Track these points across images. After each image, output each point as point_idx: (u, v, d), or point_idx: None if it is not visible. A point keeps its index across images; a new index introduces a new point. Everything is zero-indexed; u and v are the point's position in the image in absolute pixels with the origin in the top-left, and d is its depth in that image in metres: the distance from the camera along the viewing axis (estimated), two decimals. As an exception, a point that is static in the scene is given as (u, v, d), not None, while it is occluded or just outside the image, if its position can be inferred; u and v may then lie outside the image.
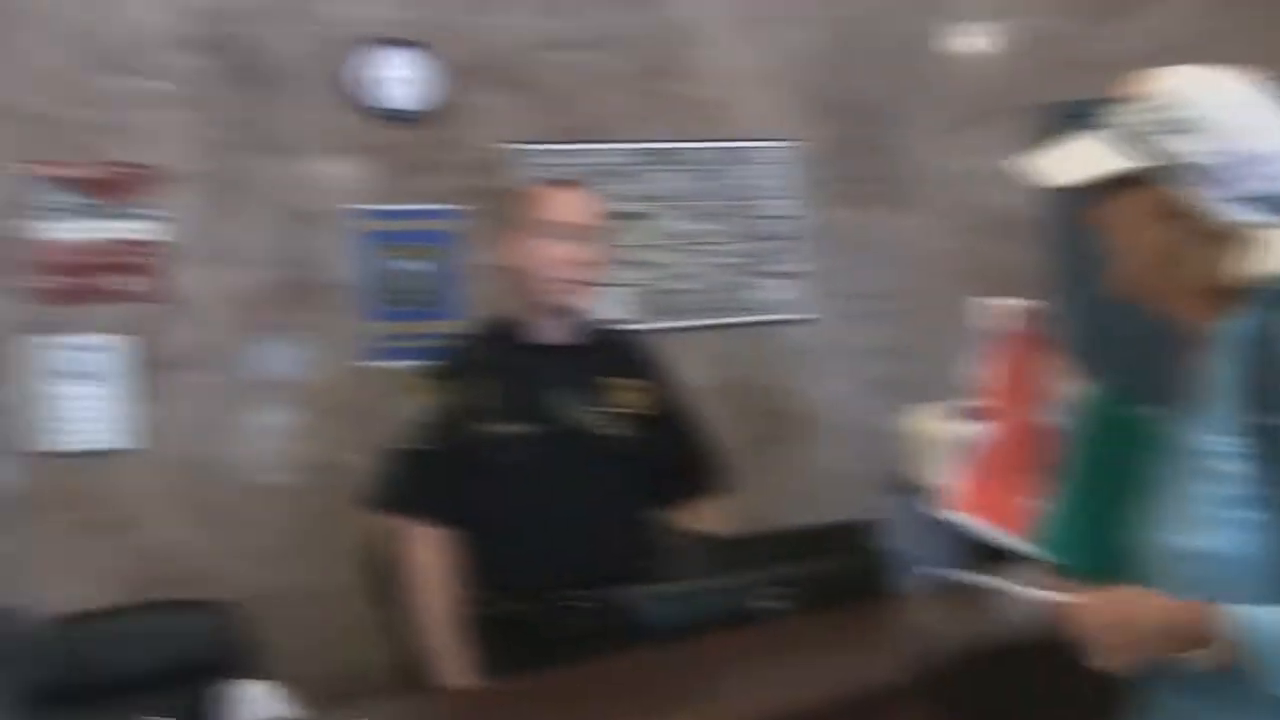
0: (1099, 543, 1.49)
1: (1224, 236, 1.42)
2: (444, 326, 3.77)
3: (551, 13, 3.98)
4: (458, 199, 3.82)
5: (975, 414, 1.82)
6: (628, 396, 2.53)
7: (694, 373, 3.76)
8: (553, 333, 2.52)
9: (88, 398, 3.45)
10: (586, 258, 2.48)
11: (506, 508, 2.43)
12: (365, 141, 3.77)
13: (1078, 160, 1.53)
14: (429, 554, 2.44)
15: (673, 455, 2.60)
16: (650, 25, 4.10)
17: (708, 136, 4.12)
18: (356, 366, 3.71)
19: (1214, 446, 1.34)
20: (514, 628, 2.37)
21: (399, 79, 3.78)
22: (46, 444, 3.44)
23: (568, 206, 2.51)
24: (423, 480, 2.49)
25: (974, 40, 4.41)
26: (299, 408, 3.68)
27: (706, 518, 2.64)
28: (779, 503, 3.93)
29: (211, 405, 3.58)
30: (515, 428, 2.43)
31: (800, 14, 4.28)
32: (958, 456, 1.68)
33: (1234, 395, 1.34)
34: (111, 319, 3.49)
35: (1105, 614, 1.36)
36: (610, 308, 3.92)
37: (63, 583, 3.40)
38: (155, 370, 3.51)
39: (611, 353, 2.61)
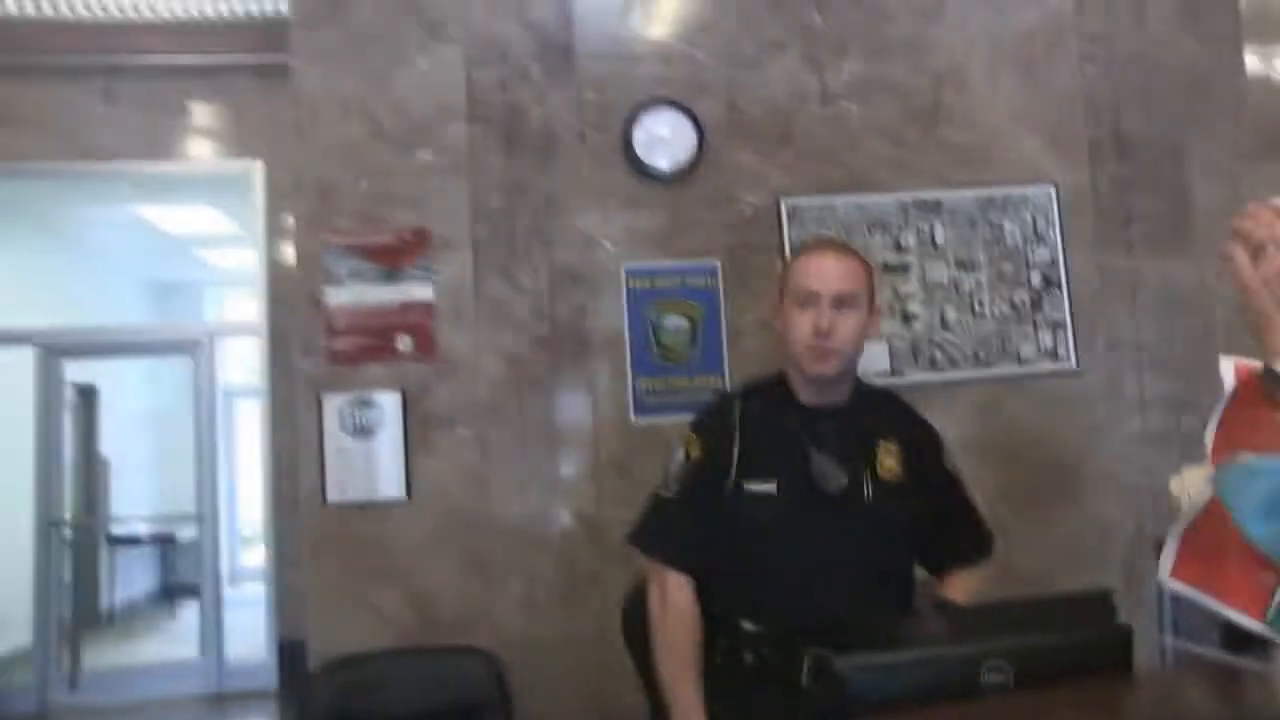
0: None
1: None
2: (708, 381, 3.82)
3: (812, 68, 4.00)
4: (722, 255, 3.86)
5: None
6: (887, 461, 2.46)
7: (958, 426, 3.66)
8: (813, 393, 2.48)
9: (366, 451, 3.65)
10: (838, 326, 2.41)
11: (755, 563, 2.39)
12: (632, 200, 3.87)
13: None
14: (677, 599, 2.45)
15: (934, 522, 2.50)
16: (913, 74, 4.05)
17: (974, 182, 4.01)
18: (622, 420, 3.78)
19: None
20: (761, 677, 2.33)
21: (664, 139, 3.87)
22: (332, 494, 3.66)
23: (821, 274, 2.44)
24: (677, 529, 2.49)
25: (1266, 68, 4.15)
26: (566, 461, 3.77)
27: (965, 586, 2.53)
28: (1044, 563, 3.74)
29: (481, 458, 3.71)
30: (768, 486, 2.41)
31: (1067, 53, 4.14)
32: (1187, 520, 1.52)
33: None
34: (390, 377, 3.69)
35: None
36: (874, 360, 3.89)
37: (342, 625, 3.59)
38: (428, 425, 3.68)
39: (875, 415, 2.52)
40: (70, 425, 7.77)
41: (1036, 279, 4.02)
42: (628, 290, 3.83)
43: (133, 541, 9.17)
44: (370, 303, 3.72)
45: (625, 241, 3.85)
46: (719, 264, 3.87)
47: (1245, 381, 1.55)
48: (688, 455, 2.50)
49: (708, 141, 3.88)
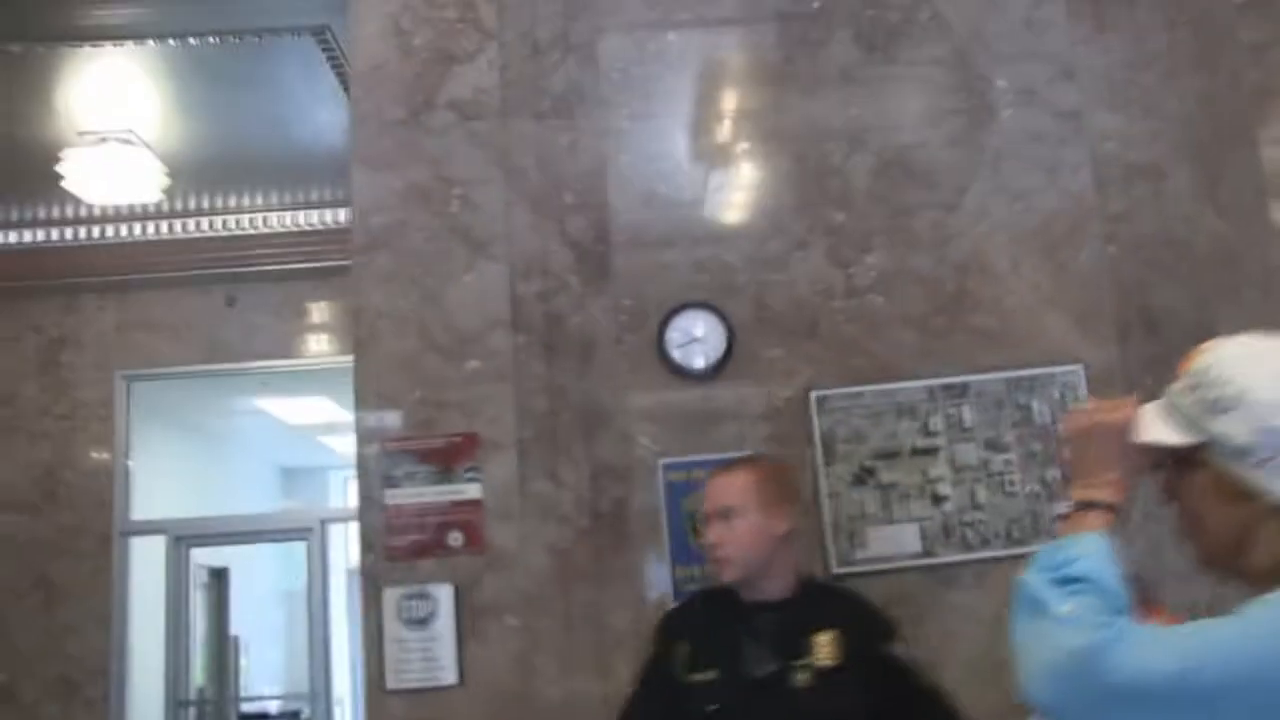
0: None
1: None
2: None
3: (837, 264, 4.24)
4: (754, 446, 4.07)
5: None
6: (823, 649, 2.65)
7: (992, 603, 3.75)
8: (751, 592, 2.73)
9: (421, 640, 3.91)
10: (720, 539, 2.77)
11: None
12: (667, 397, 4.13)
13: (1149, 427, 1.57)
14: None
15: (885, 708, 2.65)
16: (937, 264, 4.25)
17: (1001, 365, 4.16)
18: (662, 606, 3.95)
19: None
20: None
21: (697, 338, 4.14)
22: (390, 681, 3.91)
23: (708, 495, 2.89)
24: (634, 717, 2.70)
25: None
26: (609, 646, 3.96)
27: None
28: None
29: (529, 644, 3.93)
30: (708, 675, 2.66)
31: (1089, 235, 4.29)
32: None
33: None
34: (442, 570, 3.96)
35: None
36: (905, 541, 4.03)
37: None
38: (479, 615, 3.92)
39: (815, 607, 2.77)
40: (202, 605, 8.25)
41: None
42: (665, 483, 4.06)
43: (261, 717, 9.57)
44: (424, 502, 4.02)
45: (662, 437, 4.09)
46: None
47: None
48: (649, 652, 2.73)
49: (738, 338, 4.14)
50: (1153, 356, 4.22)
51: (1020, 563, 4.02)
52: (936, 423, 4.13)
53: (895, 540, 4.06)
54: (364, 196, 4.23)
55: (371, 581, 3.99)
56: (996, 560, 4.02)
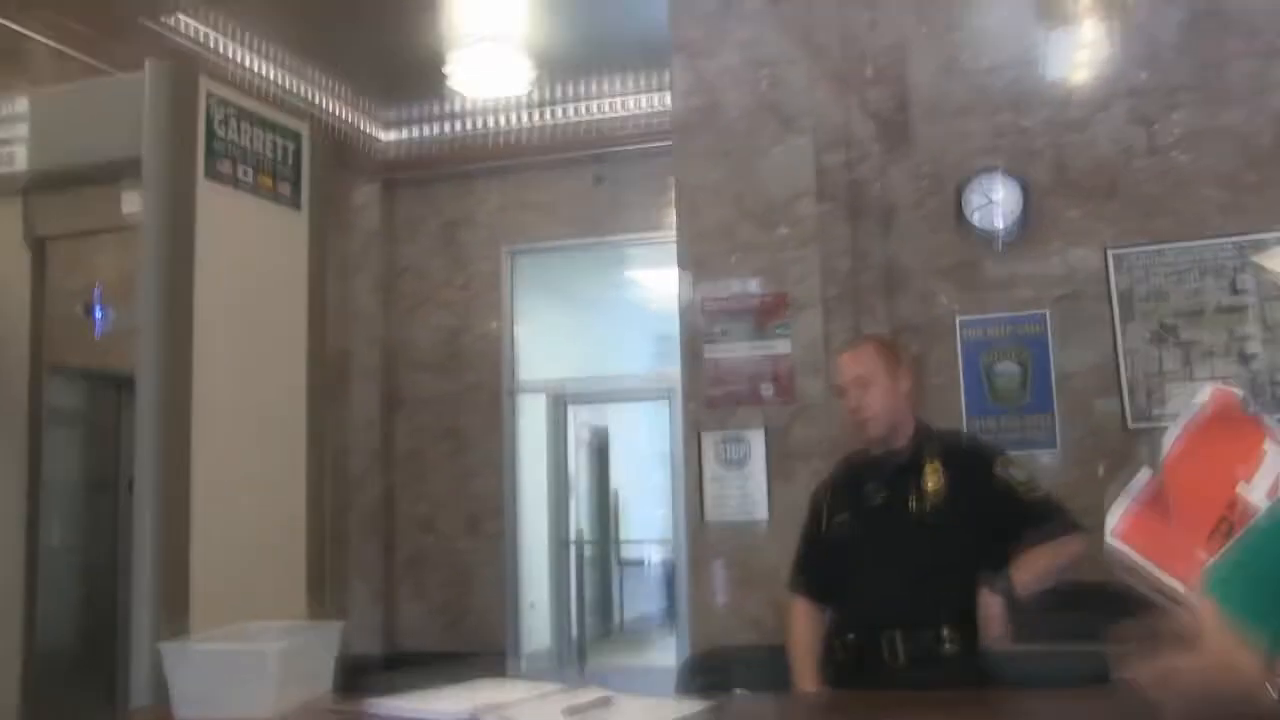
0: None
1: None
2: (1039, 420, 4.20)
3: (1140, 122, 4.25)
4: (1050, 305, 4.22)
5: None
6: (931, 481, 2.99)
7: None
8: (882, 445, 3.08)
9: (736, 479, 4.38)
10: (861, 405, 3.03)
11: (845, 573, 3.02)
12: (965, 259, 4.33)
13: None
14: (800, 620, 3.08)
15: (993, 524, 2.92)
16: (1248, 117, 4.17)
17: (1316, 222, 4.06)
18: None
19: None
20: (852, 658, 2.91)
21: (994, 202, 4.30)
22: (711, 514, 4.42)
23: (842, 369, 3.11)
24: (800, 567, 3.18)
25: None
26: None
27: (1030, 562, 2.86)
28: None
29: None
30: (843, 516, 3.07)
31: None
32: (1142, 485, 1.73)
33: None
34: (753, 418, 4.39)
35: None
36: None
37: (718, 624, 4.33)
38: (787, 458, 4.34)
39: (926, 447, 3.06)
40: (585, 459, 9.13)
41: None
42: (963, 340, 4.28)
43: (639, 563, 10.48)
44: (739, 356, 4.46)
45: (960, 296, 4.31)
46: (1047, 313, 4.22)
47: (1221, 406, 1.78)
48: (808, 519, 3.20)
49: (1035, 200, 4.27)
50: None
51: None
52: (1245, 280, 4.11)
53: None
54: (682, 80, 4.64)
55: (693, 427, 4.50)
56: (1303, 418, 4.00)
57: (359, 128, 7.54)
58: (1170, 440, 1.68)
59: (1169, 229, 4.18)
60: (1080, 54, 4.39)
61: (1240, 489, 1.61)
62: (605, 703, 2.13)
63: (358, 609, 7.48)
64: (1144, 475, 1.70)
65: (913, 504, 2.99)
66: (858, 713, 2.43)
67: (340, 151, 7.32)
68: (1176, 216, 4.19)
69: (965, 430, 3.46)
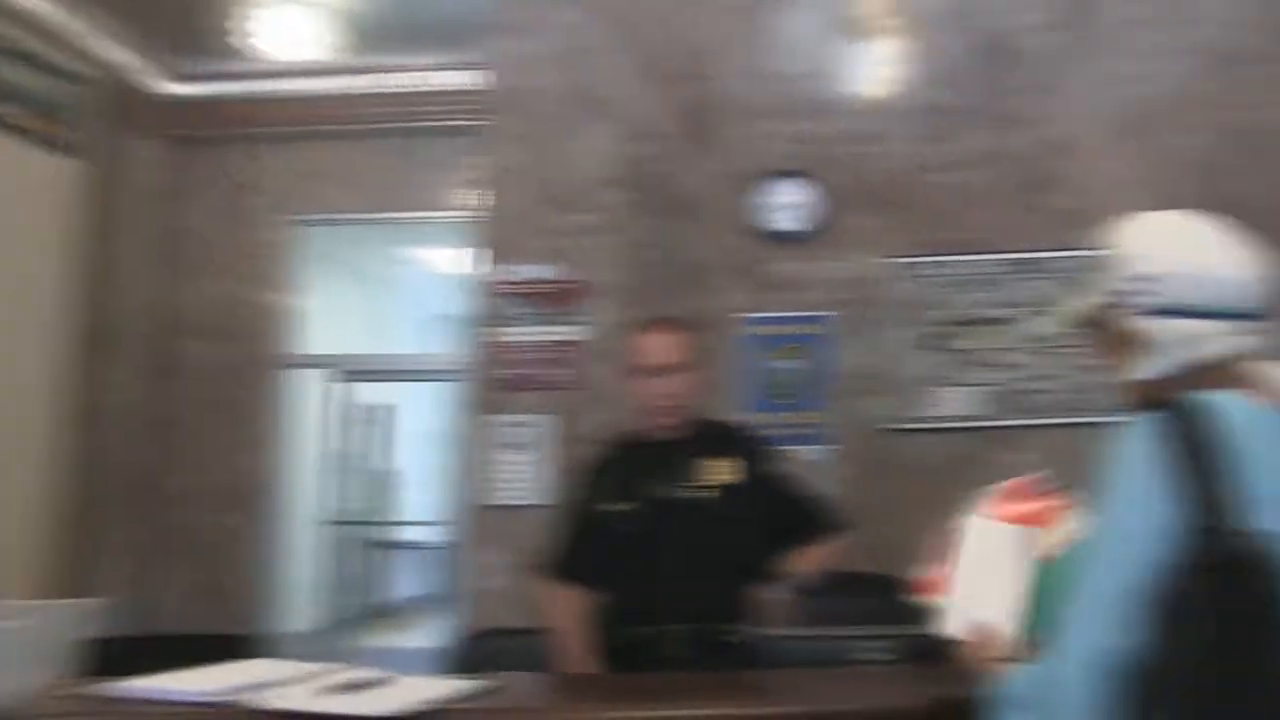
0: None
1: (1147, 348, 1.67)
2: (814, 417, 4.33)
3: (929, 139, 4.44)
4: (835, 308, 4.36)
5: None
6: (716, 472, 3.02)
7: (1043, 464, 3.99)
8: (663, 433, 3.09)
9: (521, 463, 4.37)
10: (669, 390, 3.02)
11: (621, 564, 2.99)
12: (758, 258, 4.43)
13: (1071, 307, 1.84)
14: (568, 606, 3.07)
15: (773, 515, 3.02)
16: (1026, 144, 4.41)
17: (1080, 246, 4.30)
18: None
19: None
20: (631, 652, 2.90)
21: (787, 205, 4.42)
22: (492, 498, 4.40)
23: (659, 349, 3.06)
24: (567, 552, 3.14)
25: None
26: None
27: (807, 558, 2.98)
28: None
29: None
30: (620, 505, 3.03)
31: (1180, 123, 4.38)
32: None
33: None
34: (542, 403, 4.39)
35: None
36: (968, 406, 4.28)
37: (492, 607, 4.31)
38: (572, 444, 4.35)
39: (710, 438, 3.10)
40: (364, 438, 8.95)
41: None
42: (748, 337, 4.39)
43: (413, 545, 10.36)
44: (532, 341, 4.45)
45: (751, 294, 4.41)
46: (832, 315, 4.37)
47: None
48: (574, 496, 3.18)
49: (829, 206, 4.41)
50: (1239, 246, 4.30)
51: (1077, 431, 4.27)
52: (1013, 295, 4.34)
53: (960, 402, 4.33)
54: (497, 60, 4.61)
55: (480, 409, 4.47)
56: (1056, 427, 4.24)
57: (147, 78, 7.19)
58: (976, 510, 2.01)
59: (950, 242, 4.39)
60: (882, 70, 4.56)
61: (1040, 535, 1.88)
62: (381, 680, 2.09)
63: (115, 588, 7.15)
64: (940, 537, 2.00)
65: (696, 496, 3.00)
66: (637, 694, 2.44)
67: (125, 101, 6.96)
68: (959, 231, 4.39)
69: (742, 423, 3.51)
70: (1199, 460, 1.46)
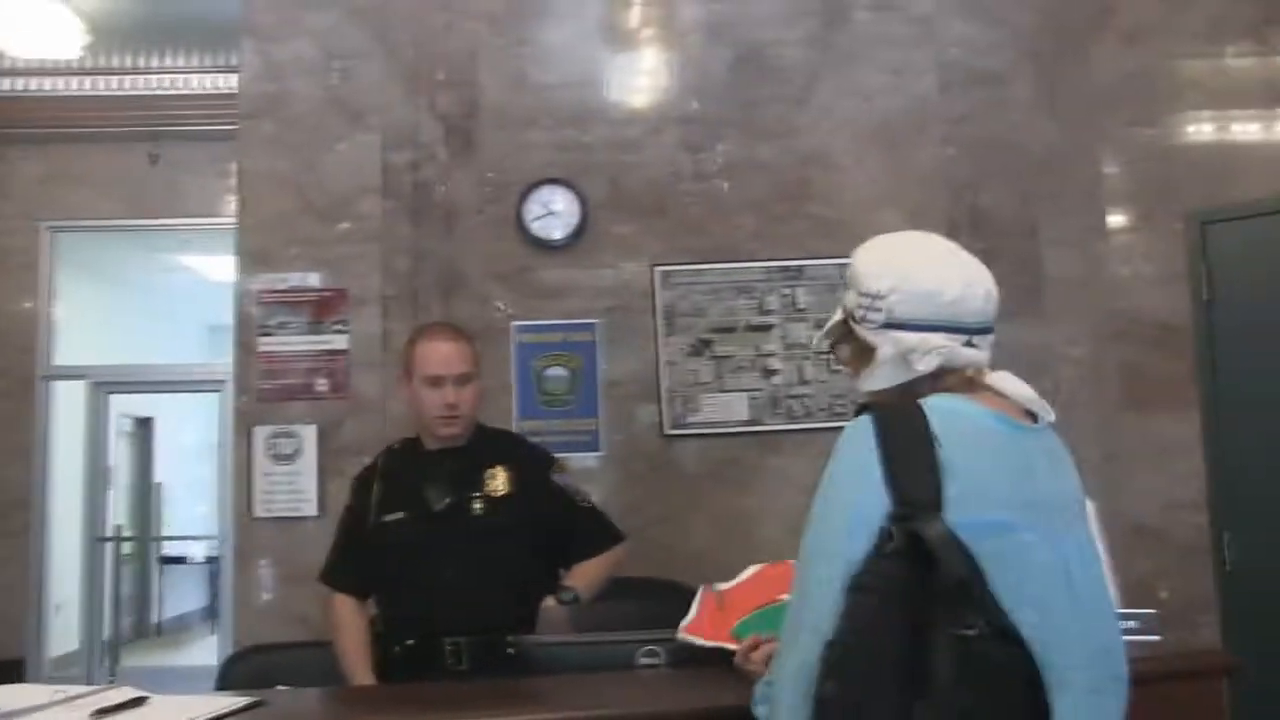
0: None
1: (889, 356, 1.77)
2: (584, 424, 4.40)
3: (688, 149, 4.56)
4: (599, 315, 4.44)
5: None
6: (495, 482, 3.04)
7: (811, 470, 4.16)
8: (435, 441, 3.11)
9: (286, 475, 4.30)
10: (453, 400, 3.02)
11: (399, 574, 3.01)
12: (523, 266, 4.47)
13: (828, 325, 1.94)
14: (346, 616, 3.07)
15: (550, 527, 3.07)
16: (779, 154, 4.58)
17: (835, 253, 4.50)
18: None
19: None
20: (410, 663, 2.92)
21: (554, 212, 4.48)
22: (259, 510, 4.31)
23: (445, 358, 3.06)
24: (342, 560, 3.15)
25: (1115, 146, 4.56)
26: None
27: (584, 572, 3.07)
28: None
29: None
30: (397, 515, 3.04)
31: (930, 136, 4.62)
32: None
33: None
34: (307, 413, 4.33)
35: None
36: (733, 410, 4.43)
37: (263, 621, 4.23)
38: (336, 454, 4.31)
39: (488, 448, 3.13)
40: (126, 451, 8.61)
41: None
42: (517, 344, 4.43)
43: (180, 560, 10.04)
44: (295, 350, 4.38)
45: (517, 302, 4.45)
46: (597, 322, 4.45)
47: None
48: (348, 504, 3.19)
49: (592, 214, 4.48)
50: (977, 251, 4.53)
51: (839, 434, 4.45)
52: (772, 302, 4.50)
53: (726, 408, 4.47)
54: (250, 64, 4.52)
55: (243, 421, 4.37)
56: (819, 431, 4.41)
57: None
58: (732, 582, 2.44)
59: (709, 250, 4.52)
60: (640, 79, 4.66)
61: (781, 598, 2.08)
62: (138, 702, 2.03)
63: None
64: (700, 593, 2.43)
65: (475, 507, 3.01)
66: (413, 705, 2.44)
67: None
68: (715, 239, 4.53)
69: (516, 432, 3.56)
70: (901, 455, 1.59)
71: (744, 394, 4.46)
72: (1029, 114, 4.70)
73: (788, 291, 4.51)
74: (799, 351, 4.48)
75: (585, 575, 3.04)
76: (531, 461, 3.18)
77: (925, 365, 1.74)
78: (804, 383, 4.47)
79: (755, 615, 2.20)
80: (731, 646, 2.13)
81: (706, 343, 4.48)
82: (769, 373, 4.48)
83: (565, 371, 4.43)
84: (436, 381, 3.04)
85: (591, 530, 3.17)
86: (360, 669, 2.96)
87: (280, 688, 2.76)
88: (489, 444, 3.16)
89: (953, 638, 1.41)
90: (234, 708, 1.99)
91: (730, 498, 4.42)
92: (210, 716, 1.92)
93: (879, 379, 1.78)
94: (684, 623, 2.36)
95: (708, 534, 4.36)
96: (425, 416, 3.09)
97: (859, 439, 1.63)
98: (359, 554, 3.09)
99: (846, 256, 1.91)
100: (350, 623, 3.06)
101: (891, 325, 1.76)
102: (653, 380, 4.46)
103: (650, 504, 4.35)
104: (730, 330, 4.49)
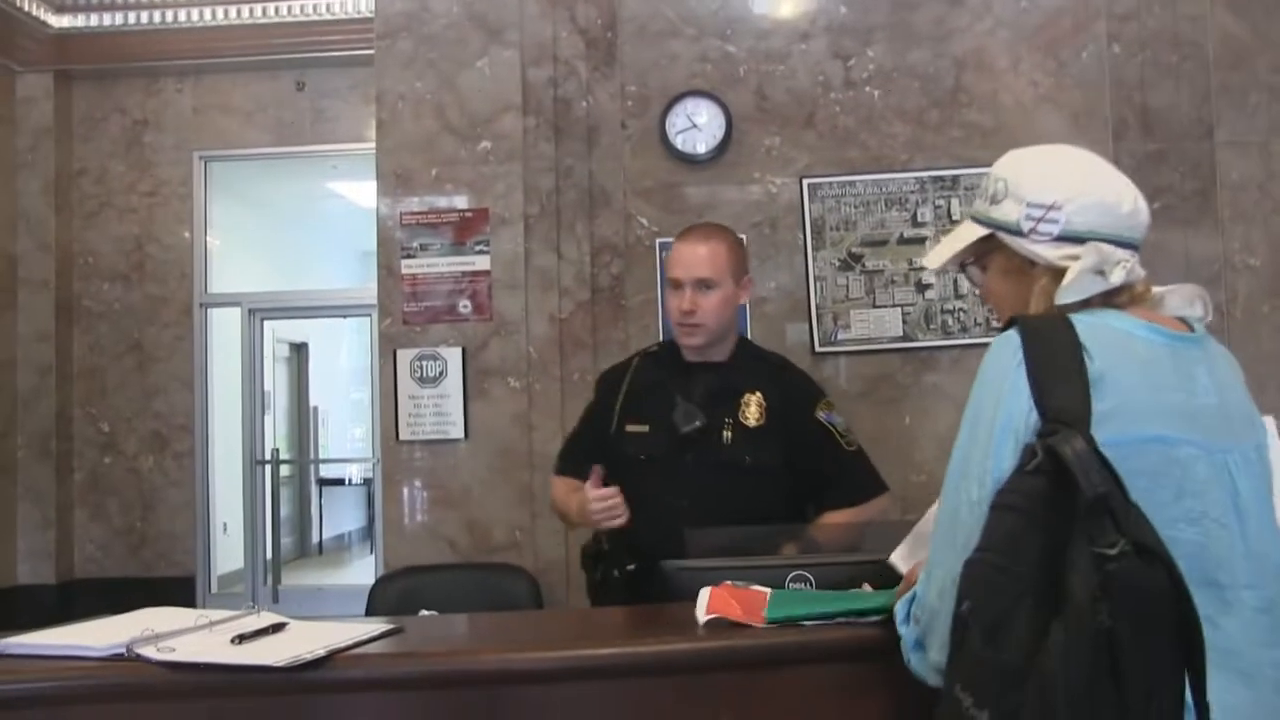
0: None
1: (1050, 274, 1.64)
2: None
3: (837, 56, 4.37)
4: (747, 229, 4.30)
5: None
6: (750, 410, 2.82)
7: (964, 384, 3.99)
8: (694, 353, 2.89)
9: (432, 398, 4.29)
10: (688, 307, 2.81)
11: (631, 493, 2.73)
12: (666, 181, 4.36)
13: (947, 242, 1.81)
14: (560, 486, 3.02)
15: (805, 467, 2.84)
16: (932, 59, 4.36)
17: (991, 161, 4.27)
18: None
19: None
20: (629, 589, 2.71)
21: (697, 125, 4.34)
22: (405, 433, 4.32)
23: (685, 261, 2.85)
24: (574, 459, 3.01)
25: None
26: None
27: (845, 523, 2.85)
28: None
29: (528, 405, 4.29)
30: (641, 427, 2.86)
31: (1094, 34, 4.33)
32: None
33: None
34: (450, 335, 4.31)
35: None
36: (887, 326, 4.27)
37: (412, 543, 4.26)
38: (484, 376, 4.29)
39: (748, 371, 2.90)
40: (283, 376, 8.80)
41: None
42: (662, 262, 4.32)
43: (338, 482, 10.30)
44: (437, 272, 4.35)
45: (660, 218, 4.34)
46: (744, 238, 4.30)
47: None
48: (591, 402, 3.02)
49: (737, 126, 4.33)
50: (1146, 154, 4.30)
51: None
52: (925, 214, 4.31)
53: (878, 324, 4.31)
54: (389, -17, 4.46)
55: (388, 343, 4.37)
56: (975, 346, 4.22)
57: (23, 7, 6.90)
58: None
59: (859, 161, 4.33)
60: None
61: None
62: (278, 628, 2.02)
63: (28, 535, 7.01)
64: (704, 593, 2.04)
65: (727, 436, 2.81)
66: (546, 629, 2.37)
67: (7, 35, 6.70)
68: (866, 150, 4.34)
69: (788, 359, 3.22)
70: (1049, 368, 1.50)
71: (897, 309, 4.29)
72: (1202, 5, 4.37)
73: (942, 202, 4.30)
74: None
75: (836, 526, 2.83)
76: (795, 392, 2.93)
77: (1117, 278, 1.62)
78: (959, 296, 4.27)
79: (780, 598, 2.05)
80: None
81: (857, 257, 4.31)
82: (922, 287, 4.29)
83: (711, 290, 4.31)
84: (676, 285, 2.84)
85: (854, 478, 2.91)
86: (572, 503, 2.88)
87: (424, 612, 2.73)
88: (752, 365, 2.93)
89: (1092, 556, 1.32)
90: (371, 635, 1.95)
91: (884, 417, 4.26)
92: (347, 642, 1.88)
93: (1070, 292, 1.62)
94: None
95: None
96: (671, 323, 2.93)
97: (1006, 353, 1.54)
98: (592, 454, 2.88)
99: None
100: (566, 489, 2.95)
101: (1067, 238, 1.63)
102: (802, 296, 4.31)
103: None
104: (882, 244, 4.31)
